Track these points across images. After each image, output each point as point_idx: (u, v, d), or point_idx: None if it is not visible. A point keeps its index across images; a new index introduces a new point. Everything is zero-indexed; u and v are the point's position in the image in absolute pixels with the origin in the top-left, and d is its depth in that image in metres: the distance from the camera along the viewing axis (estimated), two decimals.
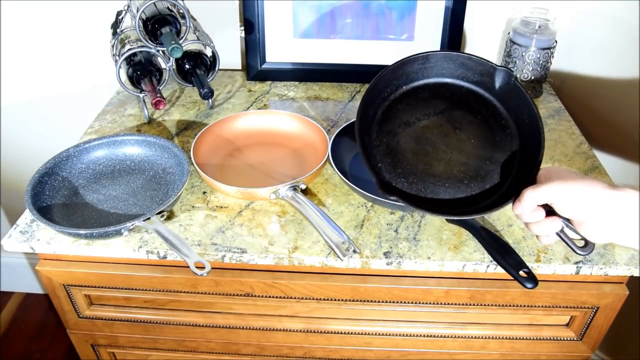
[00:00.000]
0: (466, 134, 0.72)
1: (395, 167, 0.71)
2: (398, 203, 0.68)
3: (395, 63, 0.71)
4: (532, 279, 0.65)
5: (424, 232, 0.75)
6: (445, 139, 0.72)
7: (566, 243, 0.62)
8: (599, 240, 0.59)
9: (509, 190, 0.67)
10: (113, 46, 1.01)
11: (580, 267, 0.71)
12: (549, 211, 0.60)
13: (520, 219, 0.62)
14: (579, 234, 0.59)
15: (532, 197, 0.59)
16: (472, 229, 0.72)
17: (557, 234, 0.61)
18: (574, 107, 1.09)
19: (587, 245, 0.62)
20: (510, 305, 0.78)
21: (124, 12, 1.01)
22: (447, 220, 0.75)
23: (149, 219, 0.71)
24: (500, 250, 0.69)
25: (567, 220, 0.60)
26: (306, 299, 0.79)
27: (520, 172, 0.68)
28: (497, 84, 0.71)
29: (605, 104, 1.05)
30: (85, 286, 0.80)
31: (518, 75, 1.04)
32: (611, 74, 1.03)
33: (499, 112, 0.72)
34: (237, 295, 0.79)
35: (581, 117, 1.07)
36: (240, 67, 1.19)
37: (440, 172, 0.70)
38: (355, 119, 0.70)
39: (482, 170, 0.70)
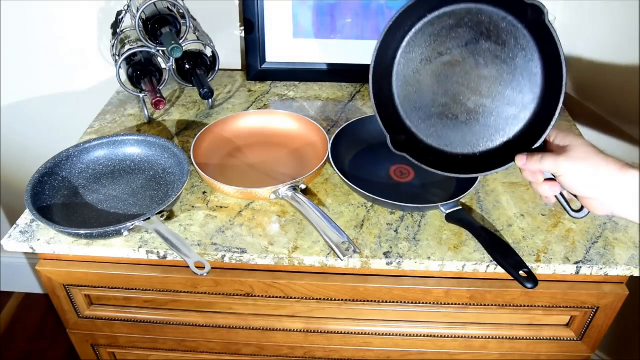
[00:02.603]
0: (489, 71, 0.67)
1: (412, 105, 0.70)
2: (395, 203, 0.67)
3: None
4: (532, 279, 0.65)
5: (424, 232, 0.75)
6: (465, 77, 0.68)
7: (562, 205, 0.62)
8: (600, 213, 0.59)
9: (519, 143, 0.65)
10: (113, 46, 1.01)
11: (580, 267, 0.71)
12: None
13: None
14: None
15: (536, 164, 0.60)
16: (472, 228, 0.72)
17: (555, 195, 0.62)
18: (574, 107, 1.09)
19: (582, 210, 0.62)
20: (510, 305, 0.78)
21: (124, 12, 1.01)
22: (447, 219, 0.75)
23: (149, 219, 0.71)
24: (500, 250, 0.69)
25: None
26: (306, 299, 0.79)
27: (534, 126, 0.65)
28: (529, 18, 0.65)
29: (605, 103, 1.05)
30: (85, 286, 0.80)
31: None
32: (611, 73, 1.03)
33: (529, 46, 0.66)
34: (237, 295, 0.79)
35: (581, 117, 1.06)
36: (240, 67, 1.19)
37: (458, 113, 0.69)
38: (371, 69, 0.68)
39: (500, 115, 0.67)
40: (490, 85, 0.68)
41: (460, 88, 0.68)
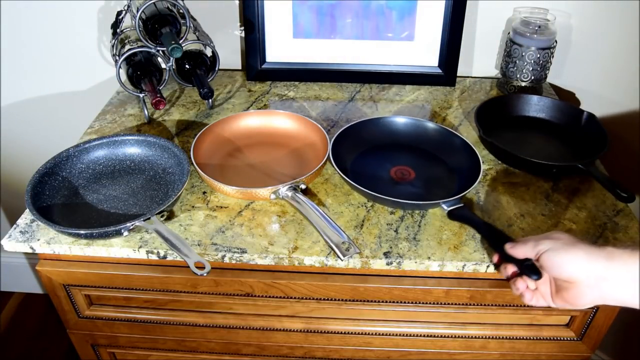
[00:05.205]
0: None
1: None
2: (397, 200, 0.67)
3: None
4: (536, 271, 0.64)
5: (424, 232, 0.75)
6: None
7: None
8: (584, 302, 0.61)
9: None
10: (113, 46, 1.01)
11: None
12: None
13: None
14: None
15: (521, 247, 0.64)
16: (475, 224, 0.72)
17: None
18: None
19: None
20: (510, 305, 0.78)
21: (124, 12, 1.01)
22: (449, 217, 0.75)
23: (149, 219, 0.71)
24: (503, 242, 0.68)
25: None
26: (306, 299, 0.79)
27: None
28: None
29: (605, 104, 1.05)
30: (85, 286, 0.80)
31: (518, 76, 1.04)
32: (611, 74, 1.03)
33: None
34: (237, 295, 0.79)
35: None
36: (240, 67, 1.19)
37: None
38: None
39: None
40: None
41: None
